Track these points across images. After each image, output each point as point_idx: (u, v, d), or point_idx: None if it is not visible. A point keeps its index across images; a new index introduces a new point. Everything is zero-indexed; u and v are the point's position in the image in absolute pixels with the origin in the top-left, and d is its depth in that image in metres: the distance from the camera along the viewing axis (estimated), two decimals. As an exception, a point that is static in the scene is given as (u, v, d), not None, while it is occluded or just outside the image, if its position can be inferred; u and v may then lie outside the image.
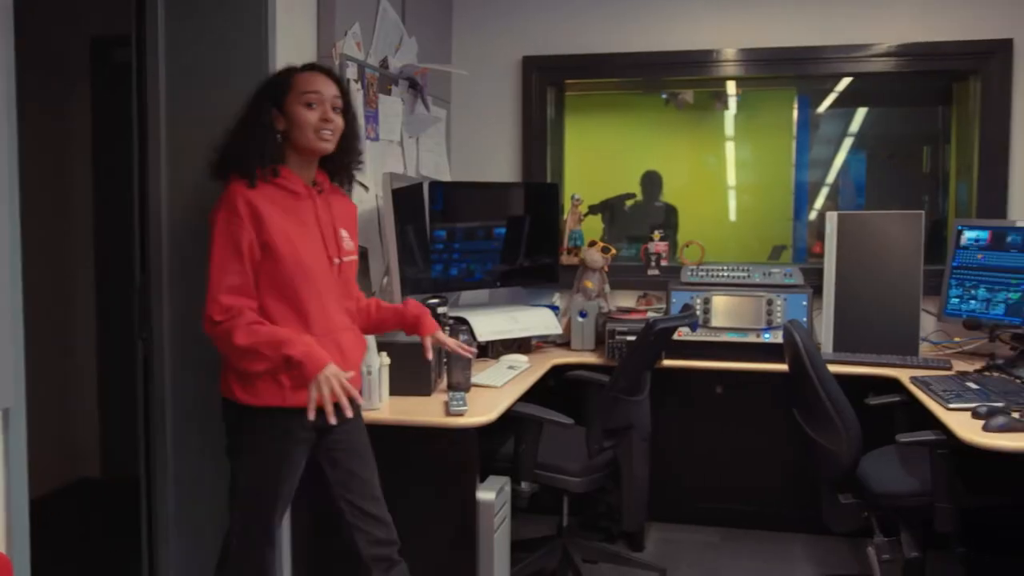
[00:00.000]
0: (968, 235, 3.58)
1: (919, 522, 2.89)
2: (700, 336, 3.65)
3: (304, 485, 2.37)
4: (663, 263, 4.09)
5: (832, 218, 3.64)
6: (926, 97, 4.34)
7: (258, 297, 2.22)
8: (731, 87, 4.63)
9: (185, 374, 2.71)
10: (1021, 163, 3.76)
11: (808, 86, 4.79)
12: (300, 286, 2.24)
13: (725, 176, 5.29)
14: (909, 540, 2.95)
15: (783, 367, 3.20)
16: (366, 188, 3.14)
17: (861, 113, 4.81)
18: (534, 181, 4.19)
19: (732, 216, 5.36)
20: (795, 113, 5.12)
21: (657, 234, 4.10)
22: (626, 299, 4.11)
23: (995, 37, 3.72)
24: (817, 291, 3.67)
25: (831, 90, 4.70)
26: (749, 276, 3.75)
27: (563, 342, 3.91)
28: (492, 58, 4.23)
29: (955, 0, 3.78)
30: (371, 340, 2.77)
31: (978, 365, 3.30)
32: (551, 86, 4.31)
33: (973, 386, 2.93)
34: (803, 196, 5.04)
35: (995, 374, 3.16)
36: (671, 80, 4.66)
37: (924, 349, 3.59)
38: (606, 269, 3.99)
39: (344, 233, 2.40)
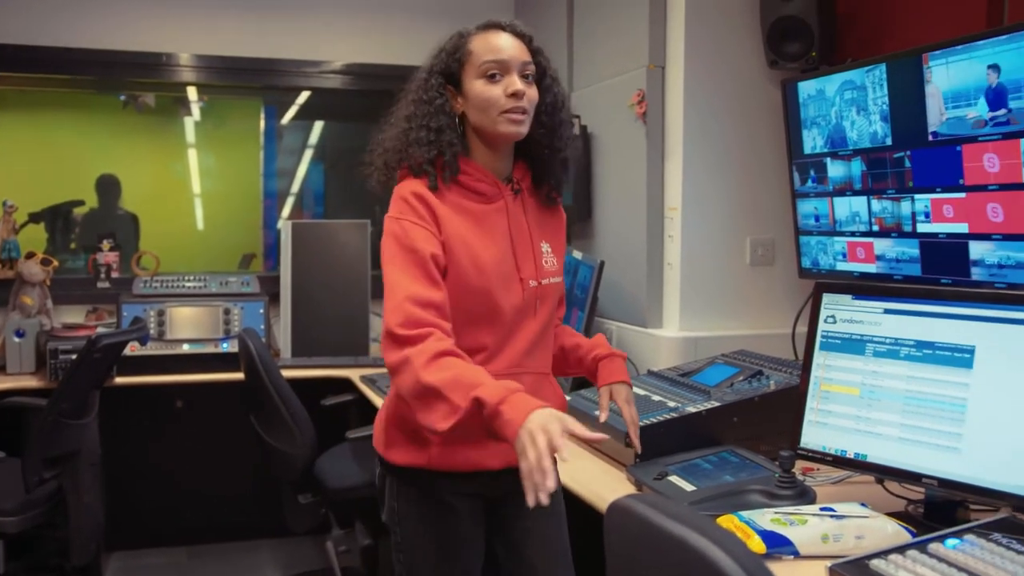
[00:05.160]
0: (408, 242, 3.92)
1: (371, 511, 3.09)
2: (156, 350, 3.51)
3: None
4: (114, 275, 3.85)
5: (287, 227, 3.74)
6: (373, 113, 4.65)
7: None
8: (193, 93, 4.53)
9: None
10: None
11: (274, 97, 4.87)
12: (478, 311, 1.73)
13: (192, 184, 5.17)
14: (363, 529, 3.15)
15: (242, 376, 3.21)
16: None
17: (319, 126, 5.03)
18: (-43, 185, 3.68)
19: (200, 225, 5.25)
20: (262, 123, 5.18)
21: (107, 244, 3.85)
22: (74, 315, 3.79)
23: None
24: (275, 298, 3.74)
25: (293, 102, 4.84)
26: (206, 286, 3.69)
27: (-3, 366, 3.49)
28: None
29: (393, 29, 4.13)
30: None
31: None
32: (-28, 77, 3.81)
33: (413, 380, 3.21)
34: (272, 205, 5.13)
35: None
36: (125, 81, 4.41)
37: (374, 349, 3.85)
38: (48, 283, 3.65)
39: (545, 247, 1.85)
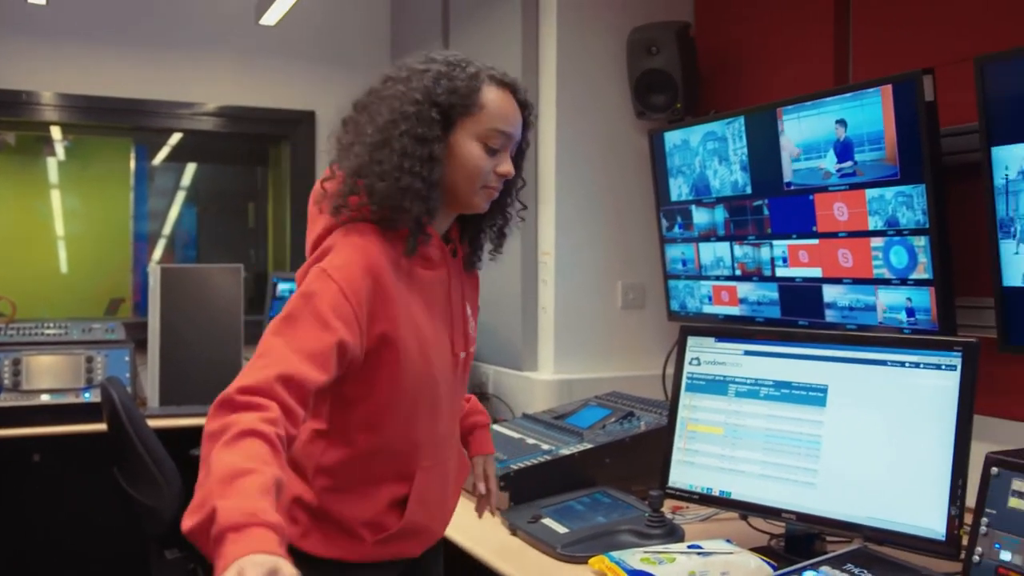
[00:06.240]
0: (282, 287, 3.87)
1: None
2: (11, 401, 3.32)
3: None
4: (-34, 322, 3.65)
5: (155, 271, 3.62)
6: (248, 156, 4.61)
7: (350, 415, 1.48)
8: (58, 132, 4.37)
9: None
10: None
11: (145, 137, 4.75)
12: (421, 400, 1.51)
13: (56, 226, 4.96)
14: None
15: (105, 427, 3.08)
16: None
17: (192, 168, 4.93)
18: None
19: (64, 268, 5.03)
20: (132, 163, 5.03)
21: (-43, 290, 3.65)
22: (-81, 365, 3.56)
23: (301, 108, 4.10)
24: (142, 345, 3.61)
25: (165, 143, 4.72)
26: (67, 333, 3.54)
27: None
28: None
29: (268, 72, 4.09)
30: None
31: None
32: None
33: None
34: (143, 248, 4.97)
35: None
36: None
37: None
38: None
39: (469, 311, 1.65)
